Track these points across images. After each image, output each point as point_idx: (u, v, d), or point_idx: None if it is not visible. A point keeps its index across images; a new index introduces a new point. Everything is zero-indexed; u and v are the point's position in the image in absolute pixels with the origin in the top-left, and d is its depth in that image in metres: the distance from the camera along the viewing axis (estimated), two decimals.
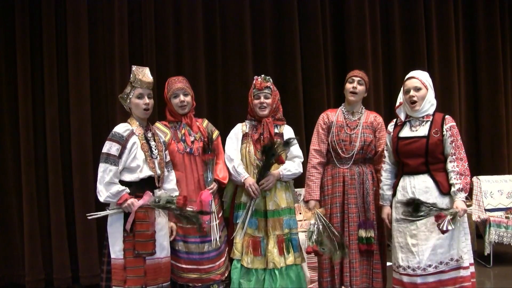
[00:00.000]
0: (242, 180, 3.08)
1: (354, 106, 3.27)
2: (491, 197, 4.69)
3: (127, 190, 2.71)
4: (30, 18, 4.20)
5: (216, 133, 3.21)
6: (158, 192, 2.77)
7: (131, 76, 2.82)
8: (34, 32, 4.22)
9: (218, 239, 3.03)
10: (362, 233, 3.13)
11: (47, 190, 4.20)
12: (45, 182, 4.21)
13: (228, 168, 3.14)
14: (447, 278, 2.83)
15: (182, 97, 3.06)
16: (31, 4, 4.21)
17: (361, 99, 3.28)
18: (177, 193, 2.97)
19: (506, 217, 4.40)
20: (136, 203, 2.68)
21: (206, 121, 3.26)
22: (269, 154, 3.00)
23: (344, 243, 3.03)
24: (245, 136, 3.20)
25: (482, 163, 5.48)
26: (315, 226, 3.05)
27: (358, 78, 3.21)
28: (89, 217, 2.81)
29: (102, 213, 2.77)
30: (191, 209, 2.79)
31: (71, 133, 4.21)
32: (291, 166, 3.13)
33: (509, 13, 5.60)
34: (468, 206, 4.54)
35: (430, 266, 2.83)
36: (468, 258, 2.87)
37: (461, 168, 2.83)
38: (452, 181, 2.84)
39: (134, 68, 2.85)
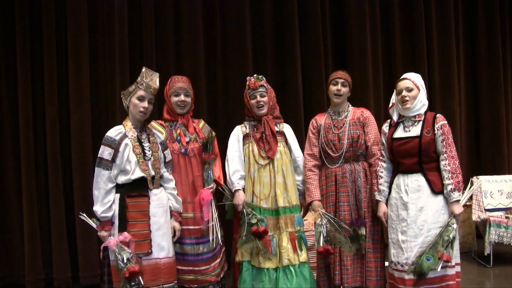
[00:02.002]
0: (233, 190, 3.12)
1: (340, 107, 3.30)
2: (491, 197, 4.69)
3: (108, 216, 2.71)
4: (30, 18, 4.21)
5: (213, 133, 3.22)
6: (125, 252, 2.64)
7: (139, 76, 2.83)
8: (34, 32, 4.22)
9: (211, 240, 3.00)
10: None
11: (47, 190, 4.20)
12: (45, 182, 4.21)
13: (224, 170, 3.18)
14: (434, 276, 2.87)
15: (183, 97, 3.06)
16: (31, 4, 4.21)
17: (345, 99, 3.30)
18: (175, 192, 2.98)
19: (506, 217, 4.40)
20: (107, 240, 2.69)
21: (202, 122, 3.26)
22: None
23: (360, 234, 3.07)
24: (246, 136, 3.22)
25: (482, 163, 5.48)
26: (322, 226, 3.08)
27: (342, 80, 3.24)
28: (80, 216, 2.84)
29: (91, 223, 2.81)
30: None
31: (71, 133, 4.21)
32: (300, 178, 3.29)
33: (509, 13, 5.60)
34: (468, 205, 4.57)
35: None
36: (454, 257, 2.90)
37: (452, 167, 2.90)
38: (445, 181, 2.91)
39: (144, 69, 2.86)
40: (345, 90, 3.24)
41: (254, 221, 3.01)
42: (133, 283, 2.61)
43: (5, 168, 4.22)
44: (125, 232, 2.69)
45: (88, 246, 4.15)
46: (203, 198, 2.97)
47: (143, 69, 2.86)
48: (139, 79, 2.83)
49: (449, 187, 2.88)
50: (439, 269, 2.80)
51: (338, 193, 3.20)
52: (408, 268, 2.89)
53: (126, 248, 2.64)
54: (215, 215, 3.04)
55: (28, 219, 4.12)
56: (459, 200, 2.90)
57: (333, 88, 3.25)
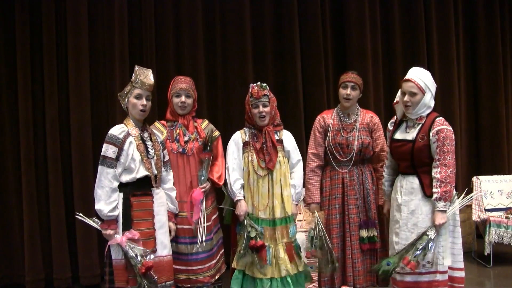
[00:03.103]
0: (235, 200, 3.10)
1: (349, 109, 3.28)
2: (491, 197, 4.68)
3: (115, 215, 2.69)
4: (30, 18, 4.21)
5: (216, 133, 3.21)
6: (137, 248, 2.65)
7: (133, 75, 2.83)
8: (34, 32, 4.22)
9: (205, 241, 3.00)
10: (363, 233, 3.16)
11: (47, 190, 4.20)
12: (45, 182, 4.21)
13: (225, 176, 3.16)
14: (422, 280, 2.84)
15: (183, 98, 3.06)
16: (31, 4, 4.21)
17: (355, 102, 3.28)
18: (174, 193, 2.98)
19: (506, 217, 4.40)
20: (113, 238, 2.67)
21: (206, 122, 3.25)
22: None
23: (334, 258, 3.06)
24: (245, 144, 3.18)
25: (482, 163, 5.47)
26: (315, 230, 3.09)
27: (352, 84, 3.21)
28: (78, 217, 2.83)
29: (90, 222, 2.79)
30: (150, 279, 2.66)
31: (71, 133, 4.21)
32: (298, 183, 3.20)
33: (509, 13, 5.59)
34: (468, 205, 4.56)
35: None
36: (445, 263, 2.82)
37: (442, 175, 2.77)
38: (433, 189, 2.81)
39: (137, 68, 2.85)
40: (354, 93, 3.21)
41: (253, 234, 3.00)
42: (149, 279, 2.62)
43: (5, 168, 4.22)
44: (132, 230, 2.69)
45: (88, 246, 4.15)
46: (193, 198, 2.97)
47: (136, 68, 2.86)
48: (133, 78, 2.83)
49: (434, 196, 2.78)
50: (397, 275, 2.79)
51: (346, 196, 3.19)
52: (374, 266, 2.90)
53: (136, 244, 2.65)
54: (204, 216, 3.00)
55: (28, 219, 4.12)
56: (445, 210, 2.78)
57: (342, 92, 3.23)
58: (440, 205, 2.77)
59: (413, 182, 2.89)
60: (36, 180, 4.19)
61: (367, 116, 3.28)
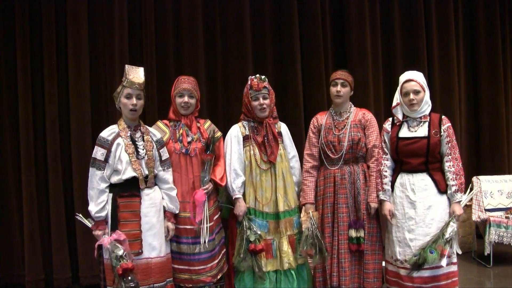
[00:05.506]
0: (233, 198, 3.09)
1: (341, 107, 3.28)
2: (491, 197, 4.69)
3: (103, 216, 2.73)
4: (30, 18, 4.21)
5: (218, 134, 3.19)
6: (118, 249, 2.66)
7: (123, 75, 2.84)
8: (34, 32, 4.22)
9: (207, 241, 2.99)
10: (352, 233, 3.15)
11: (47, 190, 4.20)
12: (45, 182, 4.21)
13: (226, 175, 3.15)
14: (441, 273, 2.93)
15: (186, 98, 3.06)
16: (31, 4, 4.21)
17: (347, 99, 3.29)
18: (175, 192, 2.97)
19: (506, 217, 4.40)
20: (101, 239, 2.71)
21: (208, 122, 3.25)
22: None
23: (324, 248, 3.07)
24: (246, 138, 3.18)
25: (482, 163, 5.47)
26: (309, 230, 3.09)
27: (341, 81, 3.22)
28: (77, 217, 2.88)
29: (86, 223, 2.83)
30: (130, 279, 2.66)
31: (71, 133, 4.21)
32: (299, 180, 3.31)
33: (509, 13, 5.59)
34: (468, 205, 4.56)
35: None
36: (455, 254, 2.99)
37: (456, 168, 2.96)
38: (449, 182, 2.97)
39: (126, 67, 2.86)
40: (345, 90, 3.22)
41: (252, 238, 3.01)
42: (127, 280, 2.61)
43: (5, 168, 4.22)
44: (118, 230, 2.70)
45: (88, 246, 4.14)
46: (196, 199, 2.97)
47: (126, 67, 2.86)
48: (123, 78, 2.84)
49: (453, 188, 2.95)
50: (444, 264, 2.85)
51: (336, 195, 3.19)
52: (409, 259, 2.91)
53: (120, 245, 2.65)
54: (207, 217, 3.00)
55: (28, 219, 4.12)
56: (461, 201, 2.96)
57: (333, 89, 3.25)
58: (458, 196, 2.96)
59: (424, 179, 2.99)
60: (36, 180, 4.18)
61: (359, 113, 3.28)
